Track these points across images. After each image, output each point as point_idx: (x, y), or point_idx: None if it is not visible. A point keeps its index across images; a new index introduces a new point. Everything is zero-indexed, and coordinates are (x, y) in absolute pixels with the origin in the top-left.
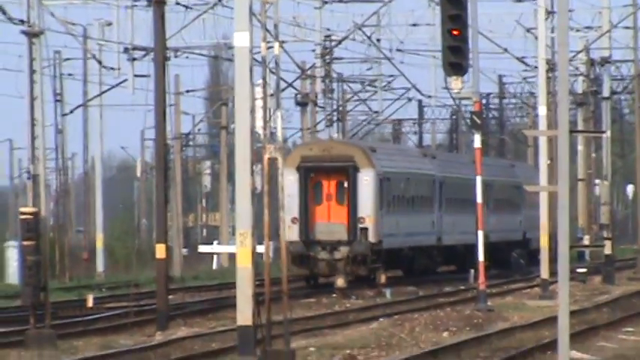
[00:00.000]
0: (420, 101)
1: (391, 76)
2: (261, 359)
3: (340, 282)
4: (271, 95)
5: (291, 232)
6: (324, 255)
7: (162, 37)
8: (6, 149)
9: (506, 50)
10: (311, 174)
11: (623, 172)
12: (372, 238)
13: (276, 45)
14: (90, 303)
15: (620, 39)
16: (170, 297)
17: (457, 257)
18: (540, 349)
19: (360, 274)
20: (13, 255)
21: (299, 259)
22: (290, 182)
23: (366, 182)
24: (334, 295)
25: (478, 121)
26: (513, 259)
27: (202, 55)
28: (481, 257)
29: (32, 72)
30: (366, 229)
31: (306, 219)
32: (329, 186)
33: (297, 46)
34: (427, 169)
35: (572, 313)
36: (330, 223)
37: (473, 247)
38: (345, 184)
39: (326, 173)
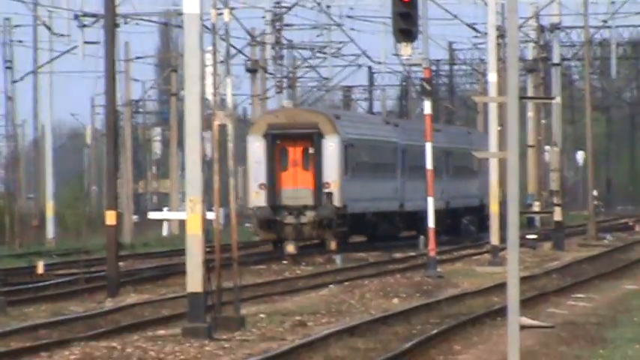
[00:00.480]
0: (370, 68)
1: (341, 42)
2: (211, 326)
3: (290, 248)
4: (221, 62)
5: (258, 198)
6: (291, 219)
7: (112, 4)
8: None
9: (456, 17)
10: (277, 141)
11: (573, 138)
12: (337, 202)
13: (226, 11)
14: (40, 270)
15: (570, 5)
16: (120, 264)
17: (418, 223)
18: (490, 315)
19: (325, 238)
20: None
21: (266, 224)
22: (257, 149)
23: (331, 148)
24: (284, 261)
25: (428, 88)
26: (463, 226)
27: (152, 21)
28: (431, 224)
29: None
30: (331, 193)
31: (273, 185)
32: (295, 152)
33: (247, 12)
34: (390, 136)
35: (522, 280)
36: (297, 188)
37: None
38: (311, 151)
39: (292, 140)
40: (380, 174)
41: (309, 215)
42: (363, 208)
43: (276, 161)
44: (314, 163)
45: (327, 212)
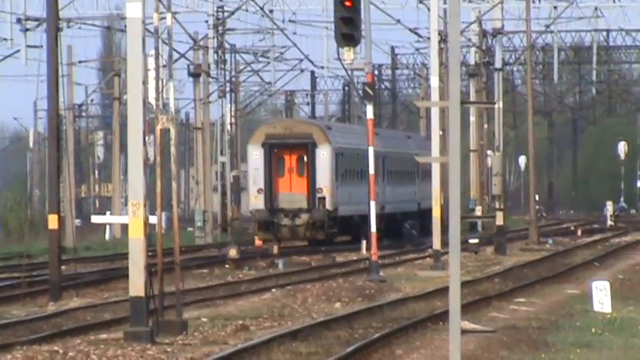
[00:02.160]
0: (312, 72)
1: (284, 47)
2: (153, 330)
3: (233, 253)
4: (164, 66)
5: (257, 201)
6: (287, 221)
7: (55, 8)
8: None
9: (398, 21)
10: (275, 149)
11: (515, 143)
12: (329, 206)
13: (169, 16)
14: None
15: (513, 10)
16: (63, 268)
17: (396, 224)
18: (432, 319)
19: (318, 238)
20: None
21: (264, 226)
22: (256, 157)
23: (324, 157)
24: (227, 266)
25: (370, 93)
26: (405, 230)
27: (95, 25)
28: (373, 228)
29: None
30: (323, 198)
31: (270, 190)
32: (290, 160)
33: (189, 16)
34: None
35: (464, 284)
36: (292, 193)
37: (409, 215)
38: (305, 159)
39: (288, 149)
40: (364, 180)
41: (304, 217)
42: (351, 211)
43: (273, 168)
44: (308, 170)
45: (320, 215)
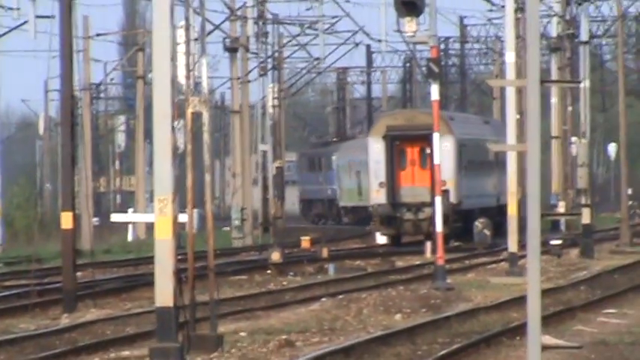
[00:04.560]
0: (368, 46)
1: (335, 17)
2: (183, 346)
3: (276, 256)
4: (195, 39)
5: (379, 196)
6: (410, 216)
7: None
8: None
9: None
10: (396, 142)
11: (604, 128)
12: (453, 199)
13: None
14: None
15: None
16: (78, 274)
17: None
18: (508, 333)
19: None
20: None
21: (387, 220)
22: (377, 149)
23: (447, 148)
24: (268, 271)
25: (436, 70)
26: (476, 230)
27: None
28: (439, 227)
29: None
30: (447, 191)
31: (392, 183)
32: (412, 152)
33: None
34: (488, 134)
35: (545, 292)
36: (415, 186)
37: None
38: (428, 151)
39: (410, 141)
40: (484, 171)
41: (427, 211)
42: (473, 204)
43: (395, 161)
44: (431, 162)
45: (444, 209)
